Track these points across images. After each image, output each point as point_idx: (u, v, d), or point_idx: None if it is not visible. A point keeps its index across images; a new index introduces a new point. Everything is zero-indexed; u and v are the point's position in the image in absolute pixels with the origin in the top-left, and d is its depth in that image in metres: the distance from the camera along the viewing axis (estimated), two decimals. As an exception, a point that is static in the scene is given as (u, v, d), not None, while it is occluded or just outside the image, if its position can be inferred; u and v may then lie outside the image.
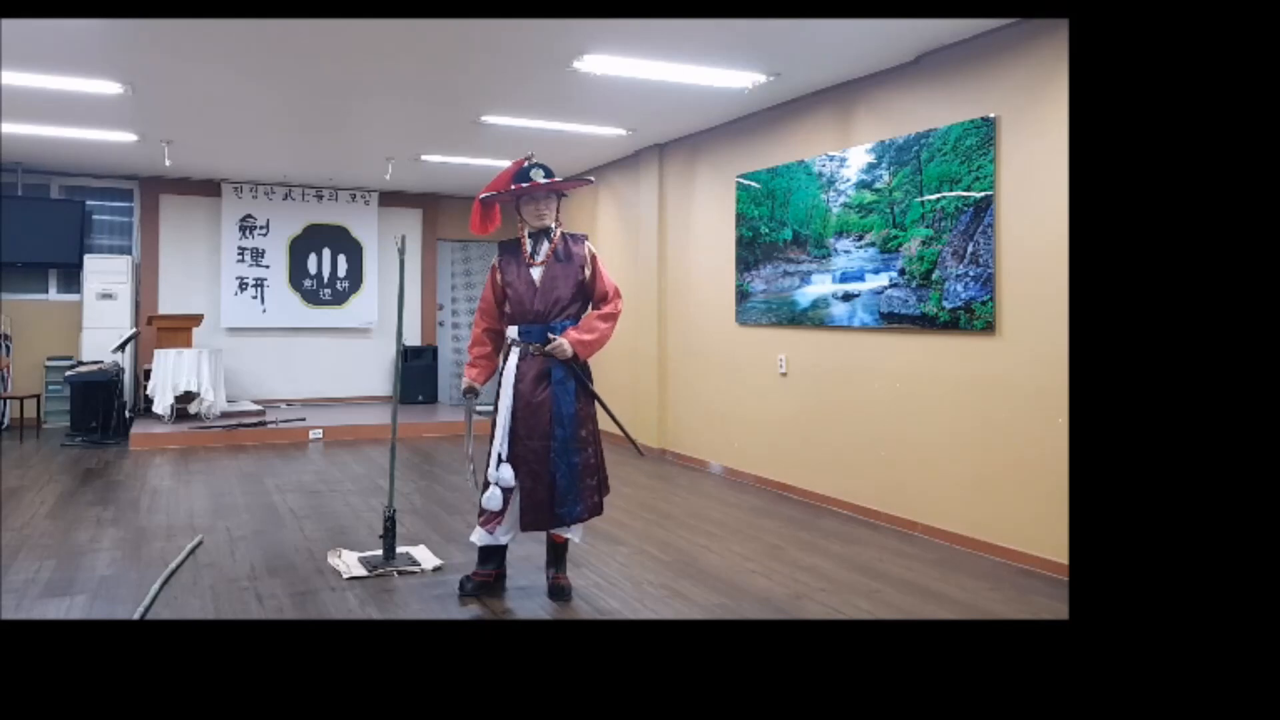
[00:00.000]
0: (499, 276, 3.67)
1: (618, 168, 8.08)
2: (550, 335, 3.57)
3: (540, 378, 3.57)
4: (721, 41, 4.55)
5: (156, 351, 8.22)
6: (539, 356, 3.58)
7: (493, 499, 3.56)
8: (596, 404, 3.72)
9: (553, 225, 3.67)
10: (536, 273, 3.62)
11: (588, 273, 3.67)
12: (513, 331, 3.65)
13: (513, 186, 3.59)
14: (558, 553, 3.79)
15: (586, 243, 3.75)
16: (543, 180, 3.55)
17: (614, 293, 3.74)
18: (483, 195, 3.72)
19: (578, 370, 3.63)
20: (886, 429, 5.05)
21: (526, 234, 3.66)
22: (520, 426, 3.56)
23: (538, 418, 3.54)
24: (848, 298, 5.29)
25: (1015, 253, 4.25)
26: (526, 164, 3.59)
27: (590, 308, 3.73)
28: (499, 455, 3.57)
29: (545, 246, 3.64)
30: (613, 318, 3.71)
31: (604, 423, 3.75)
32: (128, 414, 8.44)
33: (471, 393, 3.73)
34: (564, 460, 3.53)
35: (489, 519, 3.62)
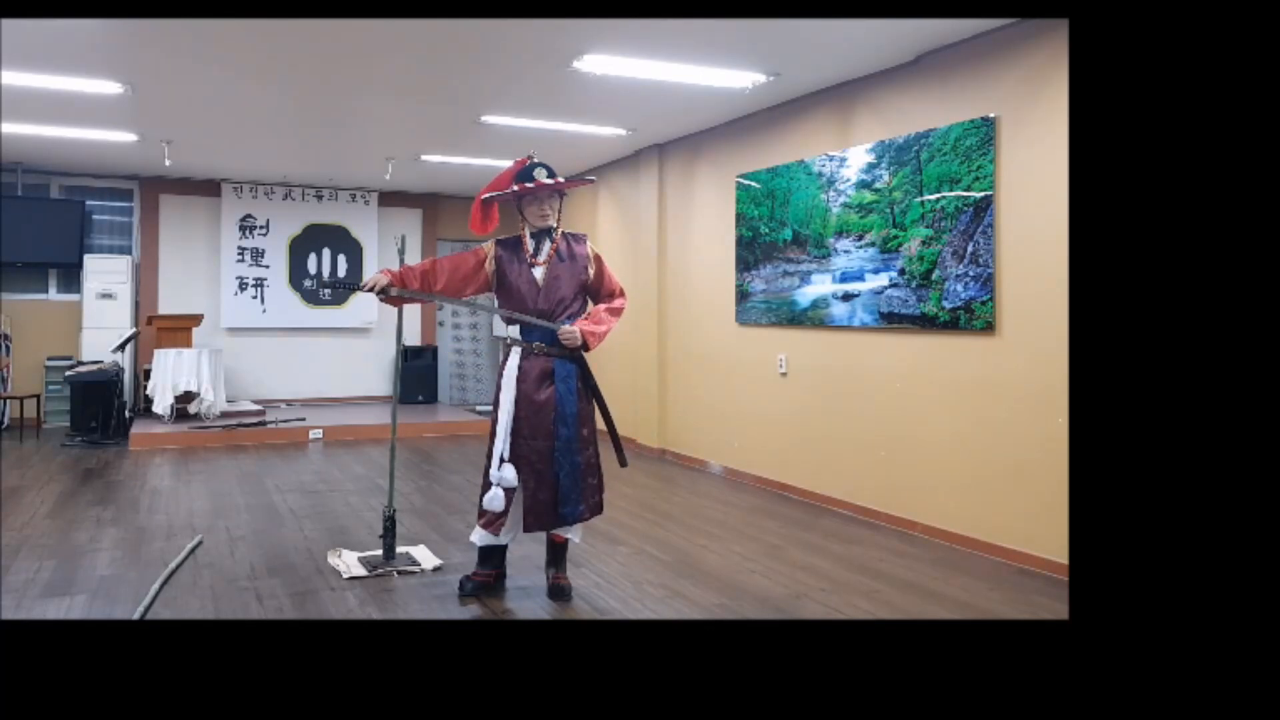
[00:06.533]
0: (494, 266, 3.63)
1: (618, 168, 8.08)
2: (565, 327, 3.55)
3: (543, 377, 3.56)
4: (721, 41, 4.55)
5: (156, 351, 8.23)
6: (542, 355, 3.58)
7: (495, 499, 3.54)
8: (595, 404, 3.72)
9: (555, 225, 3.67)
10: (539, 272, 3.61)
11: (591, 272, 3.68)
12: (513, 331, 3.65)
13: (516, 186, 3.59)
14: (557, 553, 3.79)
15: (588, 242, 3.75)
16: (546, 180, 3.55)
17: (619, 291, 3.77)
18: (485, 195, 3.71)
19: (585, 365, 3.63)
20: (886, 429, 5.05)
21: (528, 233, 3.66)
22: (523, 426, 3.55)
23: (541, 417, 3.54)
24: (848, 298, 5.29)
25: (1015, 253, 4.25)
26: (529, 163, 3.59)
27: (592, 304, 3.75)
28: (501, 455, 3.55)
29: (547, 246, 3.64)
30: (619, 313, 3.73)
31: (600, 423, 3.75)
32: (128, 414, 8.43)
33: (384, 293, 3.54)
34: (567, 459, 3.53)
35: (490, 520, 3.61)
